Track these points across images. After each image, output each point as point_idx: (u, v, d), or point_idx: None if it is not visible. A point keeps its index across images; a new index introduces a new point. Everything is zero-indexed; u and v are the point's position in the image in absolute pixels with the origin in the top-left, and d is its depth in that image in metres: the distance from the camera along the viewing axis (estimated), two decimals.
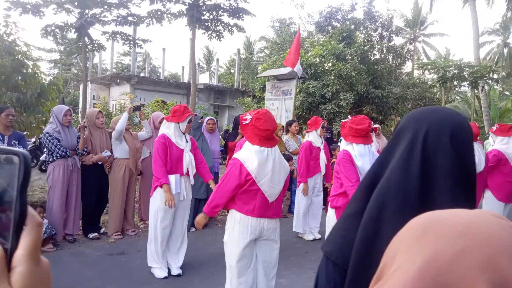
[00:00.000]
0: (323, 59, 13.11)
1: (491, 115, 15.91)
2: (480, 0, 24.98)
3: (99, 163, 4.71)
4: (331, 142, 6.85)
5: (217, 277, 3.63)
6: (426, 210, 0.76)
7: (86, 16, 10.31)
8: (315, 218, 5.25)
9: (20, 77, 5.79)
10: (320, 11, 16.63)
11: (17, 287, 0.35)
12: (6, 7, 9.01)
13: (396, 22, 19.05)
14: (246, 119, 2.61)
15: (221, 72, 34.01)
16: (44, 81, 6.16)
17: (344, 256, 0.87)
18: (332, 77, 11.87)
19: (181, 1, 11.34)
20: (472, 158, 0.84)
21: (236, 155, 2.64)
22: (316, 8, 37.31)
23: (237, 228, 2.62)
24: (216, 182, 5.53)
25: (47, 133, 4.39)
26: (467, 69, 12.31)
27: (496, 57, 22.26)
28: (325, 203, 5.09)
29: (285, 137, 6.20)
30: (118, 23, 10.96)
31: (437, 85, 13.13)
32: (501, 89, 23.93)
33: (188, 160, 3.67)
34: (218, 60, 30.39)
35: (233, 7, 11.72)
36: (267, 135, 2.56)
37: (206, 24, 11.99)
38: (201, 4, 11.53)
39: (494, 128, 4.82)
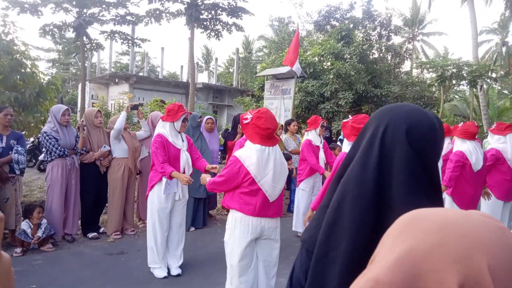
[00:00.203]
0: (322, 58, 13.11)
1: (490, 114, 15.94)
2: None
3: (97, 163, 4.70)
4: (330, 141, 6.86)
5: (216, 277, 3.63)
6: (381, 201, 0.83)
7: (84, 15, 10.29)
8: None
9: (18, 77, 5.78)
10: (319, 10, 16.65)
11: None
12: (4, 6, 8.99)
13: (395, 21, 19.08)
14: (246, 118, 2.60)
15: (220, 71, 33.99)
16: (42, 80, 6.14)
17: (314, 244, 0.93)
18: (331, 76, 11.87)
19: (179, 0, 11.33)
20: (432, 153, 0.86)
21: (236, 153, 2.62)
22: (315, 7, 37.18)
23: (238, 227, 2.62)
24: None
25: (45, 132, 4.37)
26: (465, 68, 12.32)
27: (495, 56, 22.28)
28: None
29: (284, 136, 6.20)
30: (116, 23, 10.94)
31: (436, 84, 13.13)
32: (499, 88, 23.98)
33: (185, 159, 3.65)
34: (217, 59, 30.34)
35: (232, 6, 11.71)
36: (268, 133, 2.56)
37: (205, 23, 11.98)
38: (200, 3, 11.52)
39: (493, 127, 4.83)
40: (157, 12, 11.44)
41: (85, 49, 11.16)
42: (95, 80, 22.39)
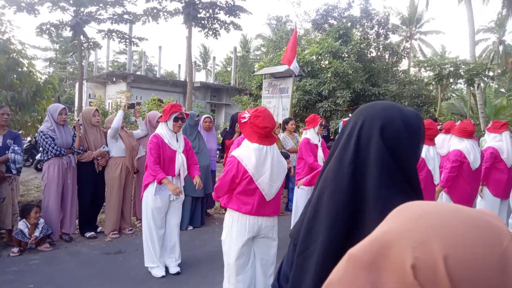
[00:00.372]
0: (319, 57, 13.11)
1: (487, 112, 16.00)
2: None
3: (94, 162, 4.69)
4: (327, 140, 6.87)
5: (214, 275, 3.63)
6: (356, 195, 0.87)
7: (81, 14, 10.25)
8: None
9: (15, 76, 5.76)
10: (316, 9, 16.68)
11: None
12: (1, 5, 8.94)
13: (393, 20, 19.12)
14: (244, 117, 2.60)
15: (218, 70, 33.94)
16: (39, 79, 6.12)
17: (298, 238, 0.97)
18: (329, 75, 11.87)
19: None
20: (406, 149, 0.88)
21: (233, 152, 2.62)
22: (312, 5, 37.45)
23: (235, 226, 2.62)
24: (213, 180, 5.55)
25: (42, 132, 4.36)
26: (463, 66, 12.36)
27: (492, 55, 22.34)
28: None
29: (282, 135, 6.20)
30: (113, 21, 10.91)
31: (433, 83, 13.17)
32: (496, 86, 24.06)
33: (180, 161, 3.64)
34: (214, 58, 30.32)
35: (230, 5, 11.69)
36: (266, 132, 2.55)
37: (203, 22, 11.96)
38: (197, 2, 11.49)
39: (489, 125, 4.86)
40: (155, 10, 11.41)
41: (82, 48, 11.12)
42: (92, 79, 22.32)
